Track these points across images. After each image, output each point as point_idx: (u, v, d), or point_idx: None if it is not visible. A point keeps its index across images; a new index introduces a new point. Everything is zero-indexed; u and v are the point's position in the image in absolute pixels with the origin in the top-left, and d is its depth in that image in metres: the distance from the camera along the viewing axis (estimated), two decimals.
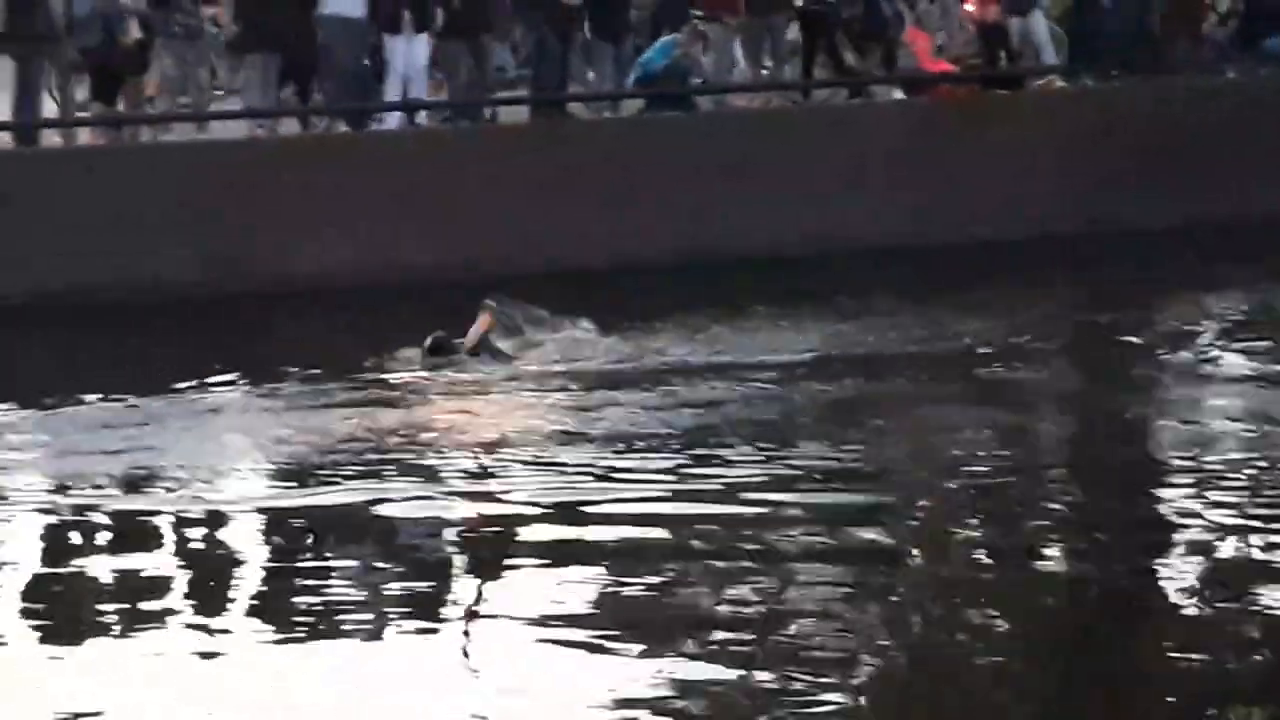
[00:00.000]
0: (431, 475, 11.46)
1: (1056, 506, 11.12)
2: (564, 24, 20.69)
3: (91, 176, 18.31)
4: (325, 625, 8.90)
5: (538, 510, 10.66)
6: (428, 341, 14.70)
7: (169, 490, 11.43)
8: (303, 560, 10.17)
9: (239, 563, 10.19)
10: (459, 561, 10.18)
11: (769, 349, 15.03)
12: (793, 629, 8.69)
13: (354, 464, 11.73)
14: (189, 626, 8.98)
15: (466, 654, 8.48)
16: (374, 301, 17.44)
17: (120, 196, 18.05)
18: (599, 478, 11.26)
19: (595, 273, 18.33)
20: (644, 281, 17.90)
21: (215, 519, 10.95)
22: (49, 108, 19.99)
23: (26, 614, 9.45)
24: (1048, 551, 10.13)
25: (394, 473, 11.52)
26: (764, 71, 22.28)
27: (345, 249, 18.42)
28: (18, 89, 19.55)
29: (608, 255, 18.74)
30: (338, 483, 11.32)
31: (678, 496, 10.83)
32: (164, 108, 20.48)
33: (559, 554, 9.84)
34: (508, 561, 9.93)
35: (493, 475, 11.56)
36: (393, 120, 20.27)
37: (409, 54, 20.04)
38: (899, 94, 22.00)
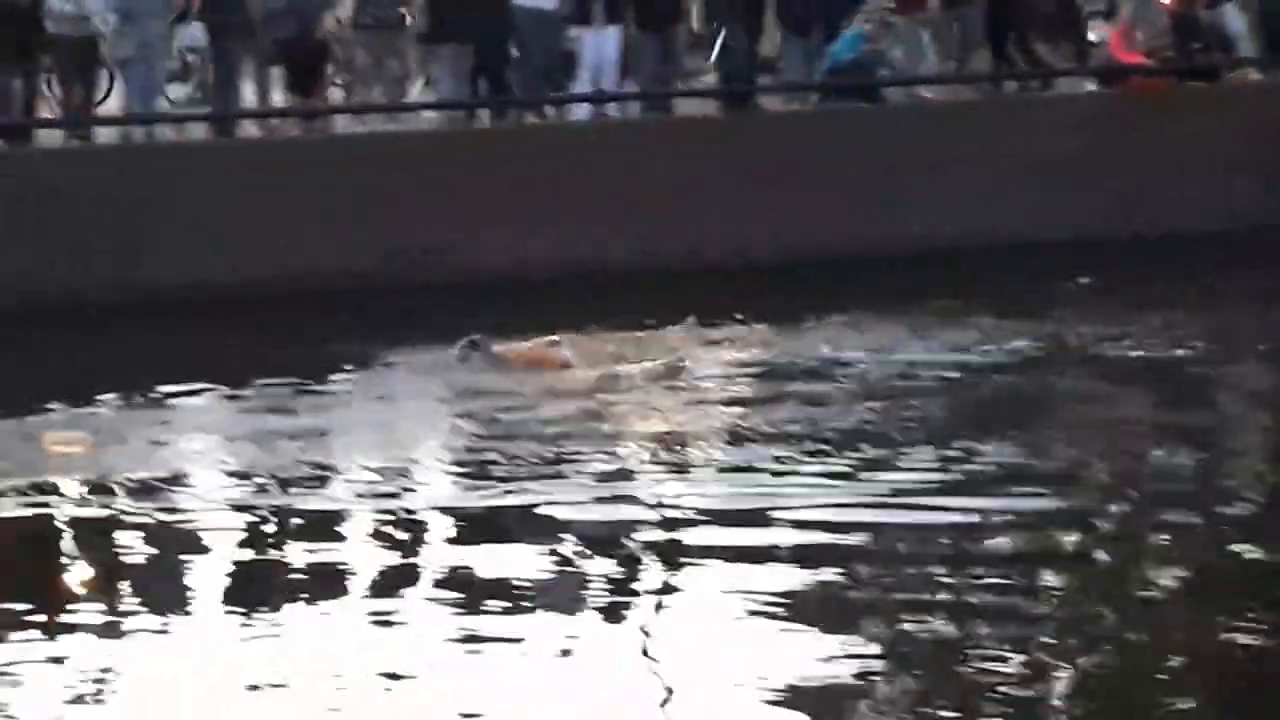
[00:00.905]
0: (608, 476, 11.35)
1: (1252, 510, 10.86)
2: (751, 15, 20.72)
3: (285, 167, 18.60)
4: (521, 622, 8.89)
5: (716, 511, 10.51)
6: (463, 342, 14.33)
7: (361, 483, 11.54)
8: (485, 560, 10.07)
9: (412, 561, 10.16)
10: (645, 561, 9.99)
11: (948, 344, 14.90)
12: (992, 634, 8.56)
13: (535, 459, 11.67)
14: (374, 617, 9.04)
15: (647, 653, 8.41)
16: (560, 292, 17.51)
17: (312, 187, 18.32)
18: (776, 474, 11.13)
19: (777, 265, 18.35)
20: (825, 274, 17.86)
21: (394, 518, 10.86)
22: (246, 98, 20.31)
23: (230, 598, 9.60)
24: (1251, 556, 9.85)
25: (572, 471, 11.46)
26: (953, 64, 22.13)
27: (534, 240, 18.57)
28: (215, 80, 19.93)
29: (791, 247, 18.76)
30: (518, 480, 11.28)
31: (856, 498, 10.65)
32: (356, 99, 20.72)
33: (743, 555, 9.71)
34: (691, 561, 9.79)
35: (676, 472, 11.45)
36: (582, 112, 20.39)
37: (599, 45, 20.17)
38: (1090, 86, 21.80)
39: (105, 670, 8.36)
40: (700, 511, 10.54)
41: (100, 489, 11.33)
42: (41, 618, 9.13)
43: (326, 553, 10.15)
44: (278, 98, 20.35)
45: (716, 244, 18.80)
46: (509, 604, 9.12)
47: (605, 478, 11.27)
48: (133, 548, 10.70)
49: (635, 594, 9.24)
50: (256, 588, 9.80)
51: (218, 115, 19.72)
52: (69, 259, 17.53)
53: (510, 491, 11.00)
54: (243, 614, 9.16)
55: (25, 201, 17.67)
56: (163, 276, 17.60)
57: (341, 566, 9.91)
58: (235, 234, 17.98)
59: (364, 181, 18.43)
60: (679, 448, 12.10)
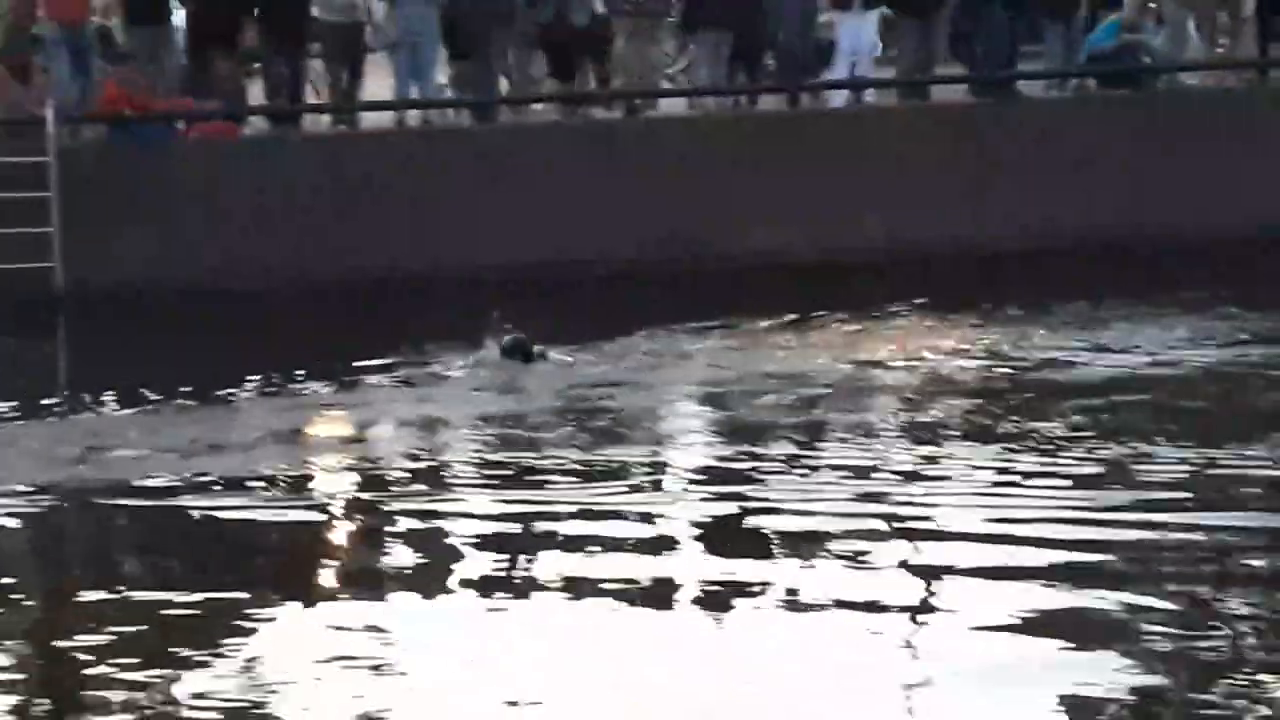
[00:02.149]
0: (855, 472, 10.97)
1: None
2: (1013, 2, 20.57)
3: (544, 153, 18.87)
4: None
5: (946, 518, 9.89)
6: (506, 341, 13.97)
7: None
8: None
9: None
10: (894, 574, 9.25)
11: (1203, 335, 14.51)
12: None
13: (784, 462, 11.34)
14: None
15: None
16: (816, 277, 17.55)
17: (569, 173, 18.58)
18: (1005, 484, 10.51)
19: (1026, 251, 18.20)
20: (1068, 263, 17.67)
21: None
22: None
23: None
24: None
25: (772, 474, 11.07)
26: (1219, 50, 21.75)
27: (791, 226, 18.63)
28: (473, 67, 20.25)
29: (1041, 233, 18.63)
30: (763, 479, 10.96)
31: (1094, 506, 9.91)
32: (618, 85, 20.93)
33: (988, 572, 9.06)
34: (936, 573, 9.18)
35: (911, 477, 10.91)
36: (839, 99, 20.41)
37: (857, 32, 20.17)
38: None
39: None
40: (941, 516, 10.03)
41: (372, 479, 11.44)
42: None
43: None
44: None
45: (970, 231, 18.71)
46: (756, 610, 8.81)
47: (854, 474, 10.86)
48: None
49: (888, 609, 8.64)
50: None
51: (479, 101, 20.02)
52: (339, 241, 18.03)
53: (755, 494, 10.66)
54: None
55: (297, 186, 18.19)
56: (440, 258, 17.99)
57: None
58: (491, 219, 18.30)
59: (621, 168, 18.64)
60: (922, 443, 11.72)
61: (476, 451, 11.86)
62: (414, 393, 13.58)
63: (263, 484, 10.99)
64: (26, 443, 12.10)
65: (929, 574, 8.98)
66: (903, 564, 9.15)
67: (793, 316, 15.85)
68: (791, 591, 8.81)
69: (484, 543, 9.86)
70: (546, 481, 10.88)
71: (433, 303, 17.19)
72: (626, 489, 10.73)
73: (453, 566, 9.37)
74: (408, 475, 11.41)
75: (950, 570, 9.02)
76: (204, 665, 7.96)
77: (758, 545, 9.65)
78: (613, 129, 19.84)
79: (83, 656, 8.15)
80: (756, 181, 18.67)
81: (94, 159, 18.19)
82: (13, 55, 19.28)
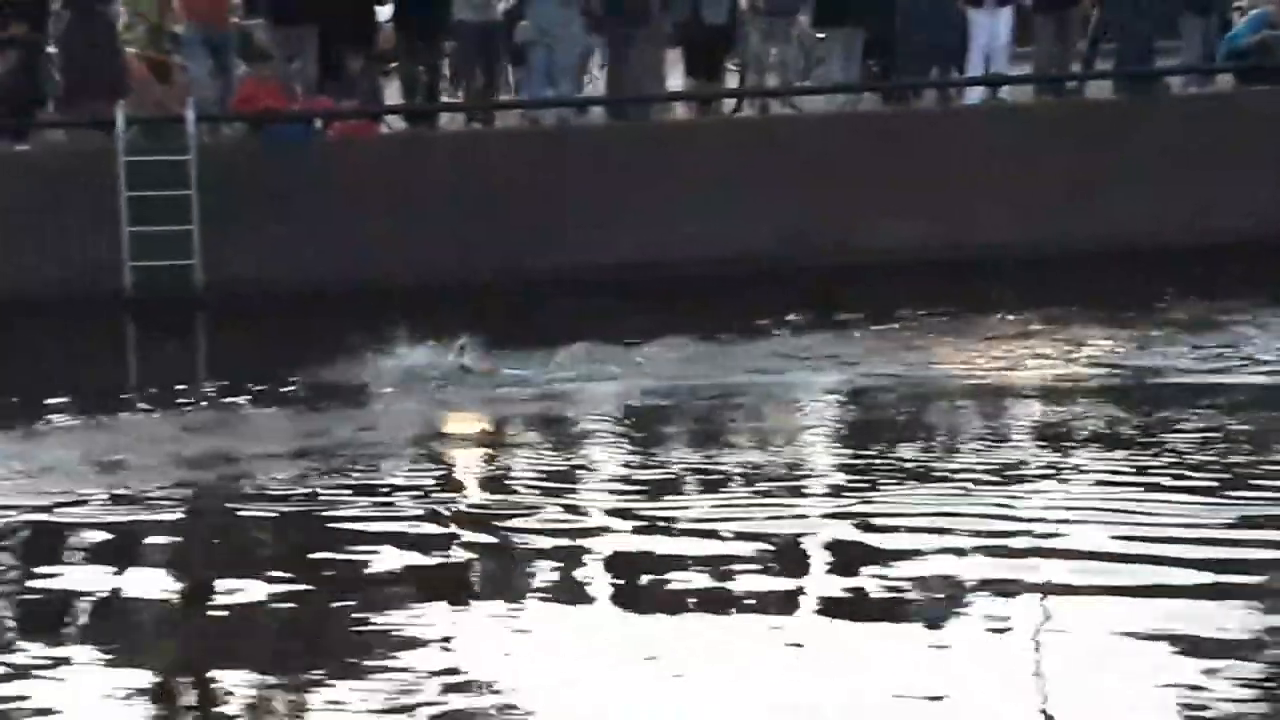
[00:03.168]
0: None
1: None
2: None
3: (683, 151, 18.90)
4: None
5: (1079, 532, 9.63)
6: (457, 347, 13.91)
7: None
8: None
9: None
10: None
11: None
12: None
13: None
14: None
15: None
16: (952, 275, 17.52)
17: (708, 170, 18.60)
18: (1136, 496, 10.26)
19: (1164, 249, 18.07)
20: (1221, 259, 17.53)
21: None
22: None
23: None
24: None
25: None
26: None
27: (919, 223, 18.58)
28: (610, 65, 20.30)
29: (1178, 233, 18.45)
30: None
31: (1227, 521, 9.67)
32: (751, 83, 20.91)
33: (1122, 590, 8.78)
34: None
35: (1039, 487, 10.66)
36: (974, 95, 20.29)
37: (992, 28, 20.02)
38: None
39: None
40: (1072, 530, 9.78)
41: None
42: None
43: None
44: (674, 81, 20.63)
45: (1115, 229, 18.55)
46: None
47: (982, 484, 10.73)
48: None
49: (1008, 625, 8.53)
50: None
51: (615, 99, 20.07)
52: (475, 239, 18.14)
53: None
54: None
55: (433, 185, 18.32)
56: (574, 256, 18.07)
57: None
58: (629, 216, 18.37)
59: (758, 165, 18.65)
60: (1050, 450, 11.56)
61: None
62: (551, 395, 13.59)
63: (409, 493, 10.89)
64: (162, 441, 12.20)
65: (1062, 590, 8.81)
66: (1043, 586, 8.91)
67: (924, 313, 15.84)
68: (913, 607, 8.76)
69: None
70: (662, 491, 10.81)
71: (565, 301, 17.26)
72: (750, 496, 10.64)
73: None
74: (516, 480, 11.35)
75: (1082, 588, 8.83)
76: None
77: (879, 559, 9.43)
78: (747, 127, 19.82)
79: (223, 673, 8.17)
80: (887, 178, 18.62)
81: (233, 157, 18.38)
82: (154, 54, 19.56)
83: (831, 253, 18.28)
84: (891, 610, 8.74)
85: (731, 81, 21.15)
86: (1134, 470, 10.81)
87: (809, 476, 11.21)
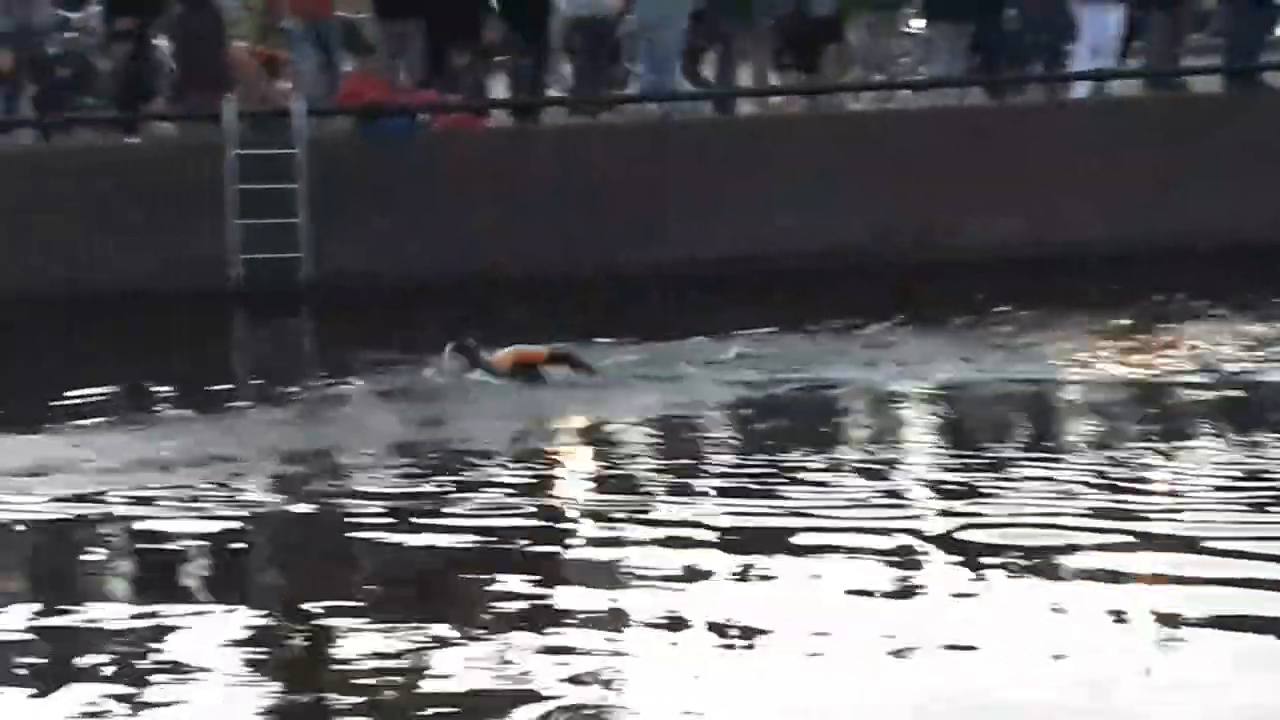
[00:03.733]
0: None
1: None
2: None
3: (780, 144, 18.90)
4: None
5: (1196, 531, 9.31)
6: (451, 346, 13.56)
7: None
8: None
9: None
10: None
11: None
12: None
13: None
14: None
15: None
16: (1038, 272, 17.44)
17: (806, 165, 18.59)
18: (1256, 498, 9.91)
19: (1255, 245, 17.89)
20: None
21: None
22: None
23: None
24: None
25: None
26: None
27: (1016, 219, 18.51)
28: (719, 58, 20.32)
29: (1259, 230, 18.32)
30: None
31: None
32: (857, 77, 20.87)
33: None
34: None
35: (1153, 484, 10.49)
36: (1082, 90, 20.17)
37: (1099, 23, 19.89)
38: None
39: None
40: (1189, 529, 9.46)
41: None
42: None
43: None
44: (775, 76, 20.63)
45: (1208, 226, 18.40)
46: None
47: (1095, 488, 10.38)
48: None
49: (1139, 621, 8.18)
50: None
51: (719, 93, 20.09)
52: (580, 233, 18.23)
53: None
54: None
55: (538, 178, 18.39)
56: (675, 251, 18.19)
57: None
58: (726, 210, 18.39)
59: (853, 159, 18.62)
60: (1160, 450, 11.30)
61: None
62: (658, 386, 13.51)
63: (505, 491, 10.71)
64: (267, 436, 12.25)
65: (1184, 584, 8.55)
66: (1156, 576, 8.68)
67: (1022, 311, 15.76)
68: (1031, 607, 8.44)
69: None
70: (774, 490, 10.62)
71: (668, 295, 17.31)
72: (849, 503, 10.32)
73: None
74: (625, 477, 11.18)
75: (1204, 580, 8.55)
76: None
77: (994, 560, 9.11)
78: (852, 120, 19.79)
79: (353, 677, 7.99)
80: (988, 173, 18.55)
81: (340, 150, 18.51)
82: (263, 49, 19.74)
83: (920, 248, 18.29)
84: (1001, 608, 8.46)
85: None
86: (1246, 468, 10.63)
87: (910, 478, 10.92)
